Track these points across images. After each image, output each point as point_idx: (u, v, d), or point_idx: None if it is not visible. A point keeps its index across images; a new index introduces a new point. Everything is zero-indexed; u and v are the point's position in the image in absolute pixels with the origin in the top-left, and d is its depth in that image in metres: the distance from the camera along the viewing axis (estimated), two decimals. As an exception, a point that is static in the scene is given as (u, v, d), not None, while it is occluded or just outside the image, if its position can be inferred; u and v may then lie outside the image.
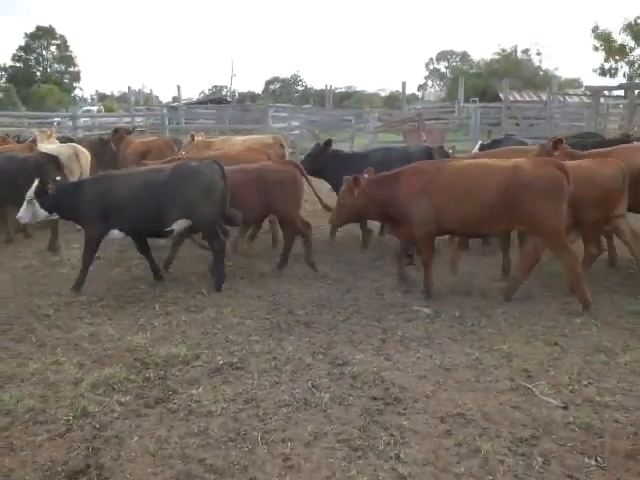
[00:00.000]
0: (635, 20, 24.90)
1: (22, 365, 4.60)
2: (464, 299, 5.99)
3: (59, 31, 59.29)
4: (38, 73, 57.85)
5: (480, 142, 8.93)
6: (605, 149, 6.90)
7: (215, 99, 42.71)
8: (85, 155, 8.90)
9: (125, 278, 6.87)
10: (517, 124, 20.53)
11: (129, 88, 34.51)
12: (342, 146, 18.69)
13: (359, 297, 6.11)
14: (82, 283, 6.38)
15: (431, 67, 76.11)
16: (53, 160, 7.95)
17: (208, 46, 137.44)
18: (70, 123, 22.72)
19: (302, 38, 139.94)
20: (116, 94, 67.13)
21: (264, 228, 8.54)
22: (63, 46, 58.87)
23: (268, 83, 75.08)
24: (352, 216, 6.35)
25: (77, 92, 62.26)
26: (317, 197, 7.51)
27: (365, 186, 6.02)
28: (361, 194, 6.01)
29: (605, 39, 26.08)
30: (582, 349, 4.77)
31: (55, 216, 6.60)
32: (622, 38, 25.86)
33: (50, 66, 58.84)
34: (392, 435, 3.55)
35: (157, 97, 52.72)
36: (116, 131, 11.50)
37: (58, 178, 6.65)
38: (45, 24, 58.74)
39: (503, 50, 49.67)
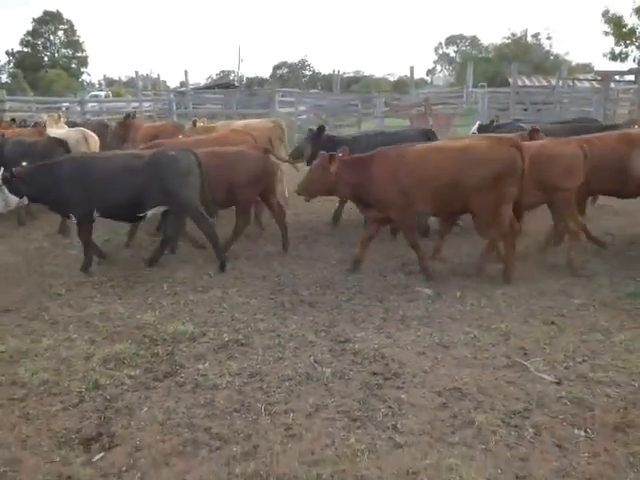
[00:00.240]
0: (645, 4, 24.64)
1: (36, 341, 4.78)
2: (465, 280, 6.11)
3: (66, 16, 59.22)
4: (46, 58, 57.89)
5: (478, 122, 9.01)
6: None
7: (222, 84, 42.68)
8: (94, 139, 9.05)
9: (135, 260, 7.02)
10: (525, 109, 20.48)
11: (136, 73, 34.56)
12: (349, 131, 18.81)
13: (362, 278, 6.24)
14: (89, 263, 6.56)
15: (440, 52, 75.61)
16: (61, 144, 8.07)
17: (216, 31, 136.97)
18: (78, 108, 22.84)
19: (310, 23, 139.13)
20: (124, 79, 67.11)
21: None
22: (70, 31, 58.84)
23: (276, 68, 74.86)
24: (320, 192, 6.48)
25: (85, 77, 62.34)
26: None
27: (337, 166, 6.15)
28: (333, 173, 6.14)
29: (616, 23, 25.83)
30: (579, 328, 4.89)
31: (25, 201, 6.68)
32: (633, 22, 25.60)
33: (58, 51, 58.86)
34: (390, 407, 3.70)
35: (165, 82, 52.73)
36: (128, 116, 11.65)
37: (24, 163, 6.62)
38: (52, 9, 58.70)
39: (513, 34, 49.25)
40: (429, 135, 8.10)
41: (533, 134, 6.87)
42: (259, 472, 3.10)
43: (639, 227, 7.74)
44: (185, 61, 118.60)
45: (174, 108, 23.75)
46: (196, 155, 6.53)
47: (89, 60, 61.34)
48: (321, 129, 8.53)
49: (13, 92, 38.14)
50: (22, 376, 4.16)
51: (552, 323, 5.01)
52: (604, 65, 37.08)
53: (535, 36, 49.82)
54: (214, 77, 68.63)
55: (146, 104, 28.40)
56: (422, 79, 71.64)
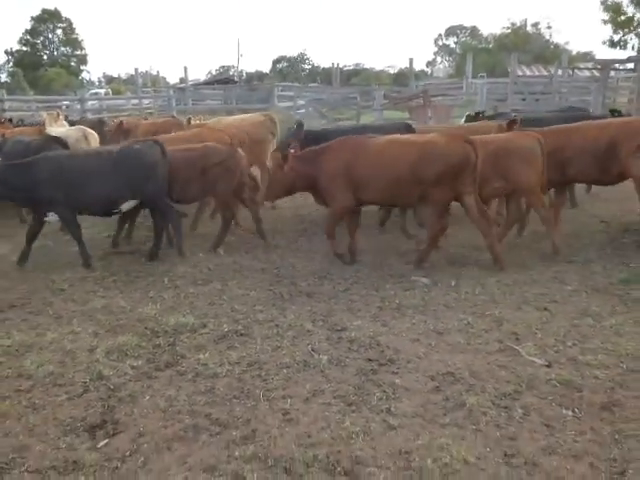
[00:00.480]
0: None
1: (41, 335, 4.90)
2: (461, 269, 6.22)
3: (64, 14, 59.31)
4: (45, 57, 58.01)
5: (467, 114, 9.14)
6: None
7: (222, 79, 42.82)
8: (94, 137, 9.16)
9: (136, 255, 7.14)
10: (523, 99, 20.51)
11: (136, 70, 34.59)
12: (348, 124, 18.89)
13: (360, 269, 6.35)
14: (87, 257, 6.70)
15: (440, 43, 75.49)
16: (58, 142, 8.17)
17: (215, 26, 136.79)
18: (78, 106, 22.95)
19: (310, 16, 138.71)
20: (123, 76, 67.20)
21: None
22: (69, 29, 58.99)
23: (275, 62, 74.83)
24: (283, 191, 6.67)
25: (84, 75, 62.47)
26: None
27: (291, 162, 6.31)
28: (289, 170, 6.30)
29: (614, 10, 25.80)
30: (570, 313, 5.00)
31: None
32: (630, 10, 25.58)
33: (57, 49, 59.00)
34: (384, 392, 3.81)
35: (164, 78, 52.87)
36: (121, 123, 11.51)
37: None
38: (51, 7, 58.78)
39: (513, 24, 49.23)
40: (410, 129, 8.25)
41: (511, 125, 7.00)
42: (257, 454, 3.22)
43: (633, 215, 7.82)
44: (185, 57, 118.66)
45: (174, 104, 23.84)
46: (162, 147, 6.67)
47: (88, 58, 61.57)
48: (300, 125, 8.65)
49: (13, 91, 38.31)
50: (28, 368, 4.28)
51: (545, 309, 5.12)
52: (605, 53, 37.11)
53: (535, 25, 49.89)
54: (214, 73, 68.70)
55: (146, 101, 28.49)
56: (422, 71, 71.60)
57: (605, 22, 26.05)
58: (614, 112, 8.66)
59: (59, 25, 58.88)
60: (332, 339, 4.64)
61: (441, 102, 22.76)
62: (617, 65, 23.80)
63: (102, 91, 40.97)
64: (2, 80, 53.06)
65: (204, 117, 12.85)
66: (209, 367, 4.23)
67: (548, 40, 48.99)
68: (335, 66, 38.86)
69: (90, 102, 27.36)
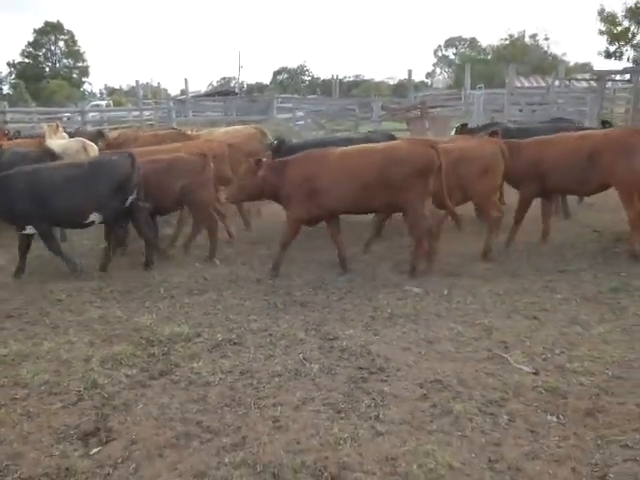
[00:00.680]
0: (636, 5, 24.83)
1: (37, 345, 4.97)
2: (454, 279, 6.29)
3: (67, 26, 59.77)
4: (47, 69, 58.42)
5: (456, 126, 9.30)
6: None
7: (222, 91, 43.03)
8: (93, 148, 9.26)
9: (133, 266, 7.22)
10: (520, 110, 20.64)
11: (137, 82, 34.85)
12: (341, 135, 19.00)
13: (354, 279, 6.42)
14: (73, 266, 6.83)
15: (439, 54, 75.85)
16: (51, 154, 8.30)
17: (216, 38, 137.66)
18: (79, 118, 23.10)
19: (310, 28, 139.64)
20: (125, 88, 67.59)
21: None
22: (71, 41, 59.41)
23: (276, 74, 75.26)
24: (249, 196, 6.91)
25: (86, 87, 62.86)
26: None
27: (262, 169, 6.48)
28: (259, 177, 6.48)
29: (610, 22, 26.02)
30: (559, 322, 5.07)
31: None
32: (626, 23, 25.81)
33: (59, 61, 59.43)
34: (373, 399, 3.88)
35: (165, 90, 53.10)
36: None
37: None
38: (53, 20, 59.26)
39: (510, 35, 49.52)
40: (393, 140, 8.37)
41: (493, 136, 7.15)
42: (247, 461, 3.29)
43: (624, 224, 7.88)
44: (186, 69, 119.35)
45: (173, 116, 23.98)
46: (134, 159, 6.77)
47: (90, 70, 61.92)
48: (281, 142, 8.76)
49: (15, 103, 38.56)
50: (24, 377, 4.35)
51: (534, 318, 5.19)
52: (603, 64, 37.32)
53: (533, 37, 50.17)
54: (215, 84, 69.03)
55: (147, 113, 28.66)
56: (422, 82, 71.96)
57: (602, 33, 26.24)
58: (605, 123, 8.76)
59: (61, 37, 59.29)
60: (324, 348, 4.71)
61: (440, 113, 22.93)
62: (613, 76, 23.96)
63: (103, 103, 41.19)
64: (4, 92, 53.47)
65: (197, 129, 12.97)
66: (202, 376, 4.30)
67: (546, 51, 49.30)
68: (335, 78, 39.18)
69: (91, 114, 27.59)
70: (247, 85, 66.45)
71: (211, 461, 3.31)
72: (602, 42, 27.52)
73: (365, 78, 69.78)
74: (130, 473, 3.24)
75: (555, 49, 52.73)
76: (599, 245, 7.27)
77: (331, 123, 23.59)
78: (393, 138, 8.42)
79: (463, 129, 8.96)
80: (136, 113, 28.74)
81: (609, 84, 24.26)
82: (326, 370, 4.32)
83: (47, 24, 58.50)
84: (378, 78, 68.21)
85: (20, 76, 55.27)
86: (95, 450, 3.46)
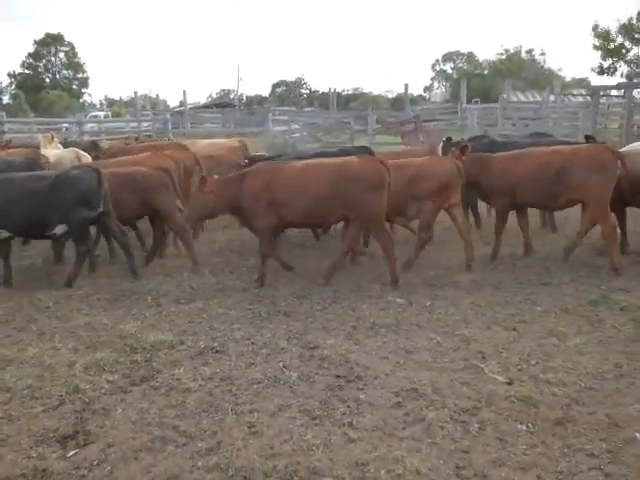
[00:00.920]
0: (629, 21, 25.15)
1: (22, 350, 5.05)
2: (437, 290, 6.39)
3: (67, 38, 60.25)
4: (47, 79, 58.79)
5: (443, 139, 9.44)
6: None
7: (221, 103, 43.37)
8: (87, 158, 9.37)
9: (122, 274, 7.30)
10: (513, 124, 20.86)
11: (135, 93, 35.02)
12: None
13: (339, 289, 6.51)
14: (7, 277, 7.00)
15: (437, 68, 76.46)
16: (36, 163, 8.46)
17: (215, 50, 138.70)
18: (77, 128, 23.24)
19: (310, 41, 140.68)
20: (125, 99, 67.98)
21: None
22: (71, 53, 59.86)
23: (275, 86, 75.79)
24: (204, 213, 7.00)
25: (86, 98, 63.25)
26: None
27: (214, 186, 6.62)
28: (210, 193, 6.60)
29: (604, 37, 26.33)
30: (537, 333, 5.15)
31: None
32: (619, 39, 26.12)
33: (59, 72, 59.82)
34: (349, 406, 3.95)
35: (165, 101, 53.50)
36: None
37: None
38: (54, 31, 59.71)
39: (506, 50, 50.00)
40: (370, 153, 8.51)
41: (464, 150, 7.30)
42: (220, 465, 3.36)
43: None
44: (185, 81, 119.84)
45: (169, 127, 24.15)
46: (99, 174, 6.87)
47: (90, 81, 62.37)
48: (253, 159, 8.87)
49: (14, 113, 38.74)
50: (7, 381, 4.42)
51: (513, 329, 5.27)
52: (598, 80, 37.65)
53: (529, 52, 50.67)
54: (214, 96, 69.44)
55: (145, 124, 28.84)
56: (420, 96, 72.48)
57: (596, 47, 26.55)
58: (588, 138, 8.88)
59: (62, 49, 59.79)
60: (304, 356, 4.79)
61: (436, 127, 23.16)
62: (608, 91, 24.19)
63: (102, 114, 41.43)
64: (4, 102, 53.77)
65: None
66: (182, 382, 4.37)
67: (543, 66, 49.77)
68: (332, 91, 39.49)
69: (89, 125, 27.73)
70: (246, 97, 66.85)
71: (185, 465, 3.38)
72: (597, 58, 27.86)
73: (364, 91, 70.32)
74: (105, 475, 3.31)
75: (551, 64, 53.32)
76: (583, 258, 7.36)
77: (328, 136, 23.82)
78: (370, 153, 8.55)
79: (448, 143, 9.11)
80: (134, 124, 28.91)
81: (603, 99, 24.49)
82: (305, 378, 4.39)
83: (48, 35, 58.97)
84: (377, 91, 68.72)
85: (20, 86, 55.62)
86: (72, 452, 3.53)
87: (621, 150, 7.65)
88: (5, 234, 6.85)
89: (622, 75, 27.19)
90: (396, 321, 5.53)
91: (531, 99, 36.08)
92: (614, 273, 6.64)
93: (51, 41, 59.12)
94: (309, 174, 6.51)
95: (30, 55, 58.92)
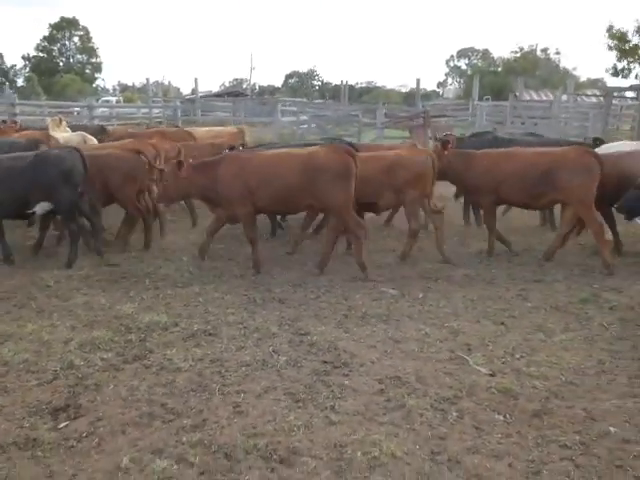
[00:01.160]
0: (646, 22, 24.96)
1: (21, 326, 5.19)
2: (430, 283, 6.48)
3: (82, 22, 60.44)
4: (61, 63, 59.07)
5: (437, 135, 9.63)
6: None
7: (232, 92, 43.45)
8: (93, 142, 9.52)
9: (123, 257, 7.43)
10: (522, 123, 20.81)
11: (147, 80, 35.30)
12: (350, 140, 19.24)
13: (333, 279, 6.61)
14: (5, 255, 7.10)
15: (451, 64, 76.07)
16: (35, 143, 8.58)
17: (230, 39, 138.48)
18: (88, 112, 23.42)
19: (326, 32, 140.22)
20: (138, 85, 68.18)
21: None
22: (86, 37, 60.07)
23: (288, 77, 75.73)
24: (176, 196, 7.22)
25: (99, 82, 63.50)
26: None
27: (187, 170, 6.74)
28: (183, 177, 6.73)
29: (620, 39, 26.15)
30: (525, 328, 5.24)
31: None
32: (635, 40, 25.93)
33: (73, 57, 60.07)
34: (332, 391, 4.07)
35: (178, 89, 53.60)
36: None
37: None
38: (69, 15, 59.92)
39: (521, 48, 49.67)
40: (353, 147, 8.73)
41: (445, 145, 7.45)
42: (203, 441, 3.48)
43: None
44: (199, 69, 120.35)
45: (179, 115, 24.29)
46: (82, 154, 6.99)
47: (103, 66, 62.56)
48: (232, 148, 9.00)
49: (28, 96, 39.00)
50: (5, 355, 4.57)
51: (502, 323, 5.35)
52: (613, 81, 37.35)
53: (544, 50, 50.32)
54: (227, 85, 69.50)
55: (156, 110, 29.00)
56: (434, 91, 72.25)
57: (610, 48, 26.38)
58: (596, 140, 8.93)
59: (76, 33, 60.00)
60: (294, 342, 4.90)
61: (447, 122, 23.15)
62: (618, 92, 24.05)
63: (114, 99, 41.64)
64: (18, 85, 54.10)
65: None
66: (174, 362, 4.50)
67: (557, 65, 49.45)
68: (344, 83, 39.45)
69: (100, 109, 27.92)
70: (259, 87, 66.89)
71: (170, 439, 3.50)
72: (611, 59, 27.60)
73: (377, 85, 70.15)
74: (93, 446, 3.44)
75: (566, 63, 52.98)
76: (578, 257, 7.42)
77: (337, 128, 23.83)
78: (352, 146, 8.71)
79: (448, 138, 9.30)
80: (145, 110, 29.10)
81: (616, 101, 24.37)
82: (292, 362, 4.51)
83: (63, 19, 59.17)
84: (390, 86, 68.53)
85: (34, 70, 55.91)
86: (63, 424, 3.66)
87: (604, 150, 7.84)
88: None
89: (637, 77, 27.00)
90: (387, 311, 5.63)
91: (544, 98, 35.93)
92: (607, 271, 6.70)
93: (66, 25, 59.34)
94: (278, 163, 6.66)
95: (45, 38, 59.20)
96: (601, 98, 27.57)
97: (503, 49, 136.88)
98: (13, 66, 59.90)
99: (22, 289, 6.20)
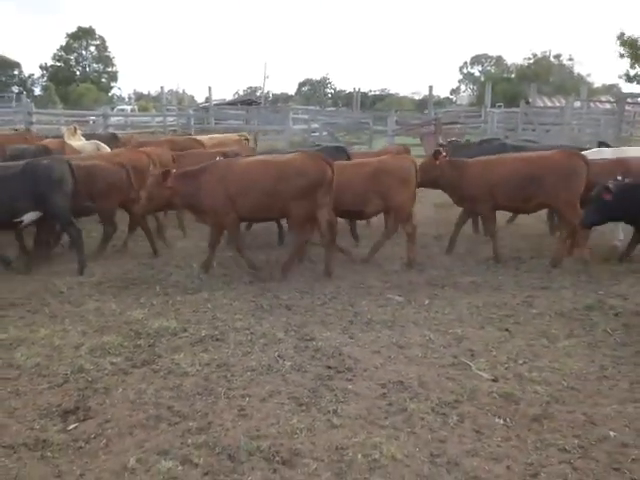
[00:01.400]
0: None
1: (34, 332, 5.32)
2: (436, 290, 6.54)
3: (99, 32, 61.31)
4: (77, 72, 59.92)
5: (441, 142, 9.76)
6: None
7: (246, 100, 43.78)
8: (106, 150, 9.70)
9: (134, 264, 7.57)
10: (533, 129, 20.78)
11: (162, 88, 35.72)
12: (361, 148, 19.40)
13: (340, 285, 6.68)
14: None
15: (465, 71, 76.05)
16: (46, 150, 8.85)
17: (244, 48, 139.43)
18: (103, 121, 23.72)
19: (340, 40, 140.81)
20: (153, 94, 68.91)
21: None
22: (102, 46, 60.92)
23: (301, 85, 76.16)
24: (159, 206, 7.34)
25: (115, 91, 64.30)
26: None
27: (171, 180, 6.83)
28: (167, 187, 6.84)
29: (631, 45, 26.05)
30: (529, 334, 5.27)
31: None
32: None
33: (89, 66, 60.92)
34: (335, 395, 4.14)
35: (192, 97, 54.12)
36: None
37: None
38: (85, 25, 60.84)
39: (534, 55, 49.55)
40: (344, 152, 9.16)
41: (436, 155, 7.68)
42: (208, 442, 3.57)
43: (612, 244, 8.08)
44: (213, 78, 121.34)
45: (192, 123, 24.54)
46: (70, 165, 7.11)
47: (119, 75, 63.36)
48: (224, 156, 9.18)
49: (45, 105, 39.62)
50: (17, 360, 4.70)
51: (506, 330, 5.39)
52: (628, 87, 37.14)
53: (557, 57, 50.14)
54: (241, 93, 69.98)
55: (170, 118, 29.32)
56: (447, 98, 72.24)
57: (622, 56, 26.29)
58: (601, 144, 9.01)
59: (92, 42, 60.89)
60: (299, 347, 4.98)
61: (461, 129, 23.18)
62: (636, 99, 23.98)
63: (128, 107, 42.14)
64: (35, 94, 54.97)
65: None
66: (181, 366, 4.60)
67: (571, 71, 49.25)
68: (356, 90, 39.62)
69: (115, 118, 28.27)
70: (272, 95, 67.29)
71: (175, 441, 3.59)
72: (623, 65, 27.48)
73: (390, 92, 70.28)
74: (100, 447, 3.54)
75: (579, 69, 52.75)
76: (585, 264, 7.42)
77: (349, 136, 23.99)
78: (344, 151, 9.17)
79: (450, 146, 9.49)
80: (159, 119, 29.41)
81: (629, 107, 24.26)
82: (297, 367, 4.59)
83: (80, 29, 60.05)
84: (403, 93, 68.62)
85: (51, 79, 56.76)
86: (72, 426, 3.77)
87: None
88: None
89: (649, 83, 26.89)
90: (393, 318, 5.69)
91: (557, 105, 35.79)
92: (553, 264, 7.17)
93: (82, 34, 60.26)
94: (256, 170, 6.78)
95: (62, 48, 60.09)
96: (614, 104, 27.47)
97: (516, 56, 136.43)
98: (31, 75, 60.99)
99: (36, 295, 6.35)
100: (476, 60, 73.99)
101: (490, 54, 71.65)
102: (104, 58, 61.29)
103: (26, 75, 60.57)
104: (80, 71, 60.67)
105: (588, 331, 5.34)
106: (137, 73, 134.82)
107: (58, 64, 60.01)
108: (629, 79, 27.27)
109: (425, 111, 30.20)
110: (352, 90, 45.44)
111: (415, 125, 21.09)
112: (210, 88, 34.76)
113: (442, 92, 78.81)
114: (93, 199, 7.65)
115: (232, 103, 43.10)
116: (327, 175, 6.64)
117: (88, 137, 11.63)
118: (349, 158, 8.68)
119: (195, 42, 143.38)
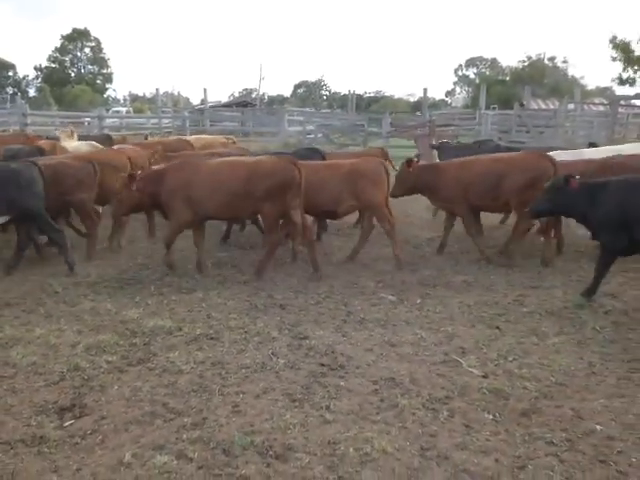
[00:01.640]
0: (650, 31, 25.05)
1: (30, 331, 5.36)
2: (428, 289, 6.61)
3: (94, 33, 61.31)
4: (72, 74, 59.87)
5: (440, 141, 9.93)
6: None
7: (241, 102, 43.88)
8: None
9: (129, 264, 7.63)
10: (527, 131, 20.92)
11: (157, 90, 35.68)
12: (356, 150, 19.45)
13: (334, 285, 6.76)
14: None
15: (460, 73, 76.40)
16: (39, 151, 8.92)
17: (240, 49, 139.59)
18: (98, 122, 23.78)
19: (335, 42, 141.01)
20: (148, 95, 68.91)
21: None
22: (97, 48, 60.88)
23: (297, 87, 76.29)
24: (129, 209, 7.36)
25: (110, 93, 64.29)
26: None
27: (137, 182, 6.93)
28: (134, 189, 6.92)
29: (623, 49, 26.25)
30: (519, 332, 5.35)
31: None
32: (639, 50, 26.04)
33: (84, 67, 60.90)
34: (328, 392, 4.20)
35: (188, 99, 54.15)
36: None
37: None
38: (80, 26, 60.78)
39: (528, 57, 49.81)
40: (319, 153, 9.36)
41: (409, 163, 7.87)
42: (202, 438, 3.63)
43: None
44: (209, 79, 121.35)
45: (187, 125, 24.59)
46: (39, 167, 7.13)
47: (114, 77, 63.35)
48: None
49: (39, 106, 39.60)
50: (14, 358, 4.74)
51: (496, 327, 5.47)
52: (621, 90, 37.41)
53: (551, 59, 50.42)
54: (237, 95, 70.05)
55: (165, 120, 29.38)
56: (442, 100, 72.53)
57: (614, 59, 26.49)
58: (591, 145, 9.16)
59: (87, 44, 60.85)
60: (293, 345, 5.04)
61: (455, 131, 23.33)
62: (628, 101, 24.17)
63: (123, 109, 42.15)
64: (30, 95, 54.89)
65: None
66: (176, 364, 4.65)
67: (565, 74, 49.52)
68: (351, 92, 39.75)
69: (111, 120, 28.32)
70: (268, 97, 67.38)
71: (170, 437, 3.65)
72: (617, 68, 27.71)
73: (385, 94, 70.48)
74: (97, 443, 3.60)
75: (573, 72, 53.04)
76: (576, 264, 7.52)
77: (343, 138, 24.07)
78: (319, 152, 9.36)
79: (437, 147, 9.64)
80: (155, 120, 29.48)
81: (622, 109, 24.46)
82: (290, 365, 4.65)
83: (75, 30, 60.02)
84: (398, 95, 68.81)
85: (46, 80, 56.69)
86: (68, 423, 3.82)
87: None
88: None
89: (642, 86, 27.09)
90: (385, 317, 5.76)
91: (552, 107, 36.02)
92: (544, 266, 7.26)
93: (77, 36, 60.23)
94: (223, 171, 6.87)
95: (57, 49, 60.05)
96: (607, 107, 27.67)
97: (511, 58, 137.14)
98: (25, 77, 60.91)
99: (31, 295, 6.39)
100: (471, 62, 74.35)
101: (485, 56, 72.13)
102: (99, 60, 61.26)
103: (21, 76, 60.58)
104: (75, 73, 60.63)
105: (577, 329, 5.42)
106: (132, 75, 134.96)
107: (53, 65, 59.98)
108: (622, 82, 27.45)
109: (417, 112, 30.28)
110: (347, 92, 45.54)
111: (410, 127, 21.18)
112: (205, 90, 34.75)
113: (437, 94, 79.23)
114: (64, 196, 7.63)
115: (227, 105, 43.17)
116: (295, 177, 6.71)
117: (83, 139, 11.68)
118: (324, 159, 8.81)
119: (190, 44, 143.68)
